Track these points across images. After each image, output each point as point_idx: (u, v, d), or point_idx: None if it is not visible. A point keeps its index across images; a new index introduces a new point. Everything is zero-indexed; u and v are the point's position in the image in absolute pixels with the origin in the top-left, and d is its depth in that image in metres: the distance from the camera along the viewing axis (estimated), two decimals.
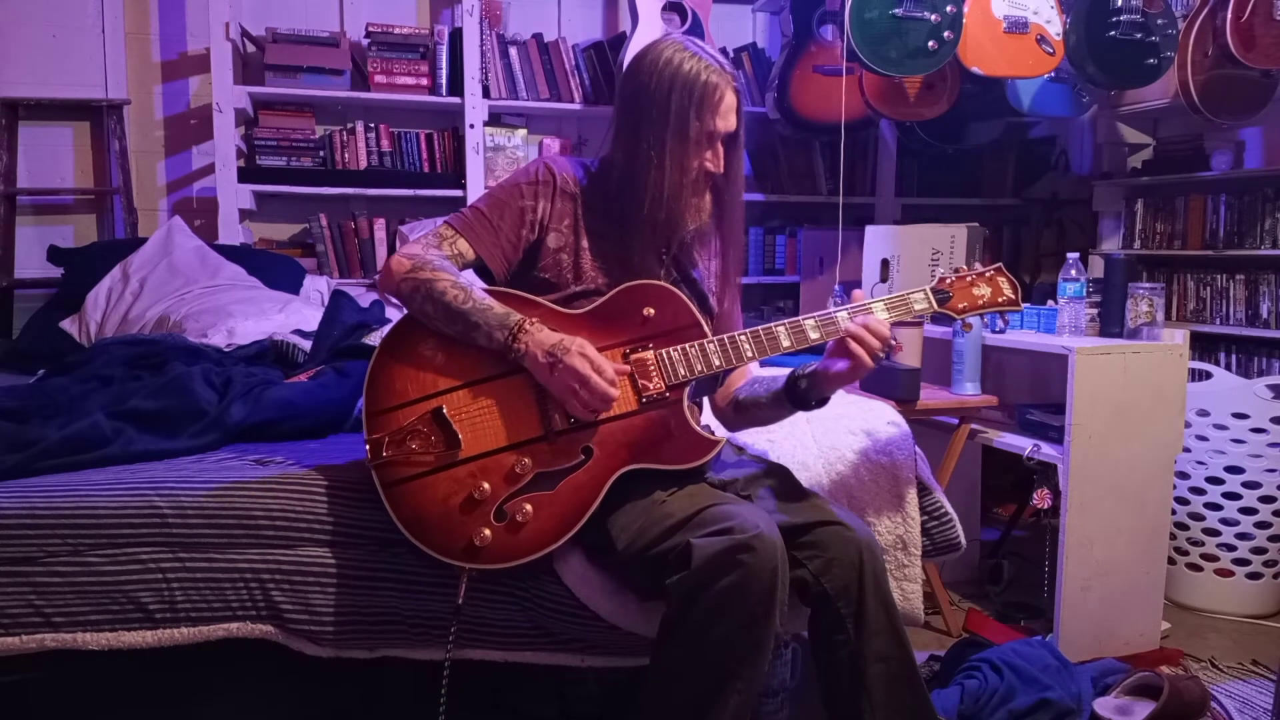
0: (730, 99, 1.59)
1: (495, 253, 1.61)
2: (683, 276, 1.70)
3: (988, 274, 1.68)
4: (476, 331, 1.50)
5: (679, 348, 1.57)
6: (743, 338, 1.58)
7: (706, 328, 1.61)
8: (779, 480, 1.67)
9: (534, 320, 1.51)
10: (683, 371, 1.56)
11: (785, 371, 1.69)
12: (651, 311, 1.58)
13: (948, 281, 1.67)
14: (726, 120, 1.59)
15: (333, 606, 1.57)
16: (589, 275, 1.62)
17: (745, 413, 1.74)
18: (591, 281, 1.62)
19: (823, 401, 1.66)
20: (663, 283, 1.62)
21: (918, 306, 1.64)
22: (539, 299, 1.59)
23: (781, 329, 1.59)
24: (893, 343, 1.58)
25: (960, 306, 1.66)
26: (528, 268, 1.64)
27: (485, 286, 1.60)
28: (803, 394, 1.63)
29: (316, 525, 1.58)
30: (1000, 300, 1.67)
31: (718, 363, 1.57)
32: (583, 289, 1.62)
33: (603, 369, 1.47)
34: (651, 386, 1.55)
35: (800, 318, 1.60)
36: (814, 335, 1.59)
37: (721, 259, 1.75)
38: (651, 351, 1.56)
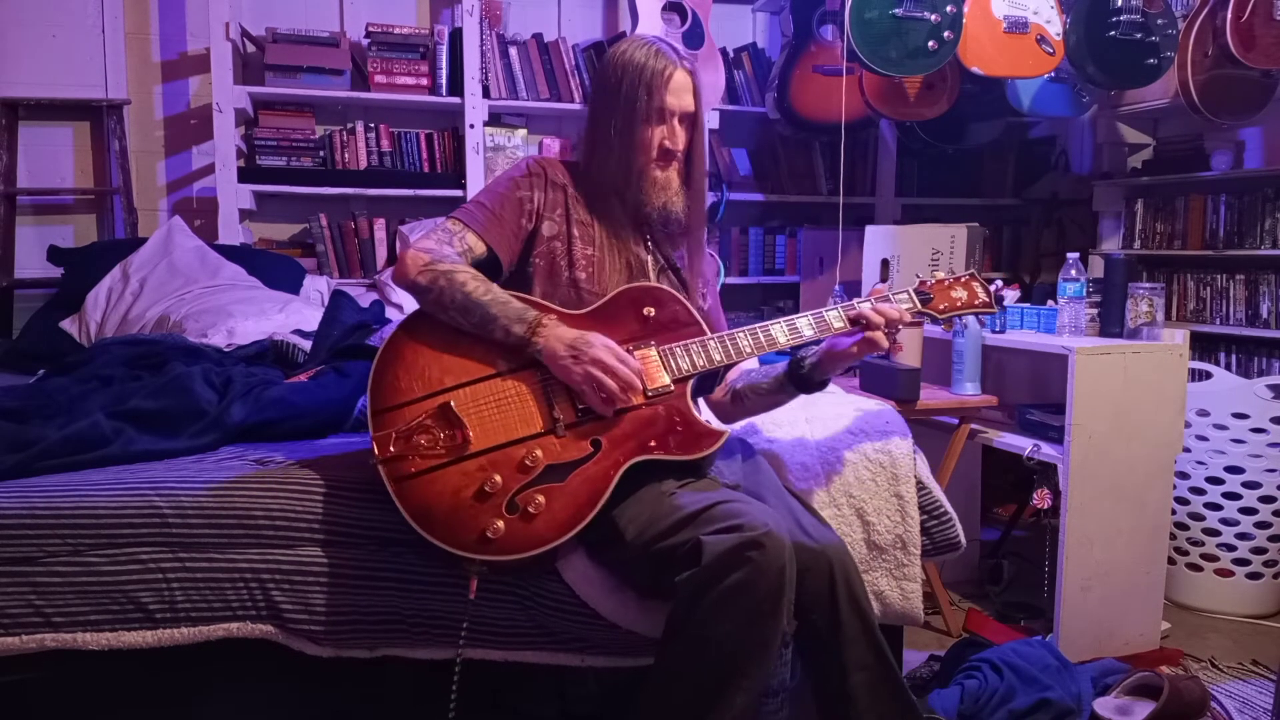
0: (680, 78, 1.66)
1: (502, 242, 1.65)
2: (668, 264, 1.76)
3: (963, 279, 1.79)
4: (493, 324, 1.53)
5: (681, 344, 1.62)
6: (741, 335, 1.64)
7: (705, 326, 1.65)
8: (763, 482, 1.69)
9: (551, 316, 1.55)
10: (685, 366, 1.60)
11: (781, 360, 1.75)
12: (652, 311, 1.64)
13: (928, 284, 1.77)
14: (679, 98, 1.66)
15: (333, 606, 1.57)
16: (581, 263, 1.67)
17: (743, 402, 1.78)
18: (583, 270, 1.67)
19: (824, 383, 1.72)
20: (661, 285, 1.68)
21: (903, 305, 1.71)
22: (541, 301, 1.63)
23: (777, 327, 1.66)
24: (908, 320, 1.67)
25: (941, 307, 1.75)
26: (523, 257, 1.69)
27: None
28: (805, 376, 1.69)
29: (316, 525, 1.58)
30: (976, 303, 1.77)
31: (718, 357, 1.62)
32: (577, 275, 1.66)
33: (626, 359, 1.53)
34: (656, 380, 1.58)
35: (794, 316, 1.67)
36: (808, 333, 1.66)
37: (687, 250, 1.79)
38: (654, 348, 1.61)
